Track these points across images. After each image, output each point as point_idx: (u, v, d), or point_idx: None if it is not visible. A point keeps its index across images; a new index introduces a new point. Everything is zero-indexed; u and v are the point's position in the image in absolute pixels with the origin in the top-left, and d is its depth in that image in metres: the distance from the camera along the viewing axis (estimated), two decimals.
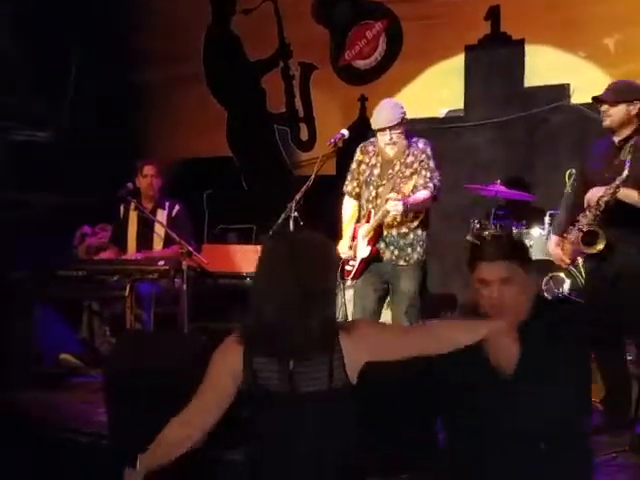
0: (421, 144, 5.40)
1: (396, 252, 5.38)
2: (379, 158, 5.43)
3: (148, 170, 6.70)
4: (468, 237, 6.49)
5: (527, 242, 6.12)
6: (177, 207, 6.74)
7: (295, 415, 2.81)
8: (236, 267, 6.54)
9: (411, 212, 5.27)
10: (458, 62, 7.40)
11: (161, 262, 6.13)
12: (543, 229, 6.12)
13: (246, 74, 8.64)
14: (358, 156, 5.55)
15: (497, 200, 6.39)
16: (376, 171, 5.43)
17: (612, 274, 4.64)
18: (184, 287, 5.94)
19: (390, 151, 5.34)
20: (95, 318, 6.58)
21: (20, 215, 7.44)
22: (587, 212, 4.63)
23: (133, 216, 6.76)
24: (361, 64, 7.99)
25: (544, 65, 7.03)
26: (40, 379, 6.11)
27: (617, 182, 4.49)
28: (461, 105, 7.42)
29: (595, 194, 4.59)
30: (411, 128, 5.48)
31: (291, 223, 5.11)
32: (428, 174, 5.26)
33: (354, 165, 5.57)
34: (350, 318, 5.65)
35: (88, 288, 6.33)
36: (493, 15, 7.20)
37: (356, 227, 5.53)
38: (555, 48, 6.95)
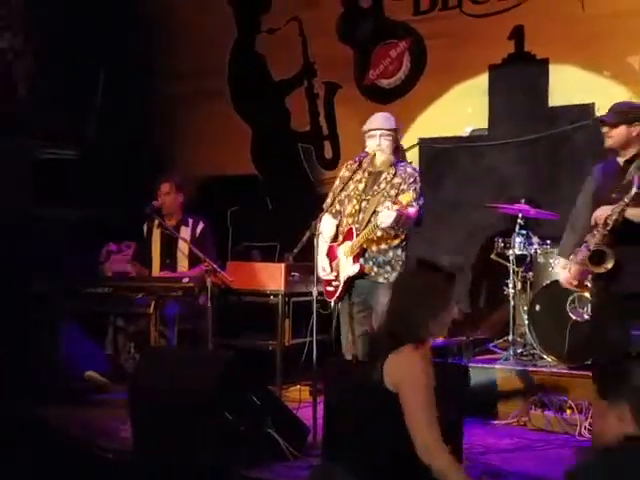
0: (409, 169, 5.45)
1: (375, 269, 5.32)
2: (365, 173, 5.42)
3: (164, 188, 6.76)
4: (492, 256, 6.50)
5: (551, 261, 6.12)
6: (201, 224, 6.77)
7: None
8: (260, 285, 6.55)
9: (398, 227, 5.20)
10: (482, 81, 7.41)
11: (185, 279, 6.17)
12: None
13: (271, 93, 8.69)
14: (343, 173, 5.54)
15: (521, 219, 6.37)
16: (361, 185, 5.42)
17: (621, 293, 4.60)
18: (208, 304, 5.97)
19: (379, 157, 5.33)
20: (120, 335, 6.63)
21: (46, 231, 7.50)
22: (595, 231, 4.62)
23: (157, 234, 6.81)
24: (385, 83, 8.01)
25: (568, 84, 7.02)
26: (66, 395, 6.15)
27: (626, 200, 4.50)
28: (485, 124, 7.41)
29: (602, 213, 4.58)
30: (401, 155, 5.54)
31: (315, 241, 5.13)
32: (414, 195, 5.19)
33: (338, 182, 5.55)
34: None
35: (113, 305, 6.38)
36: (517, 34, 7.20)
37: (333, 246, 5.49)
38: (579, 67, 6.94)
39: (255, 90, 8.78)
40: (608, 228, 4.54)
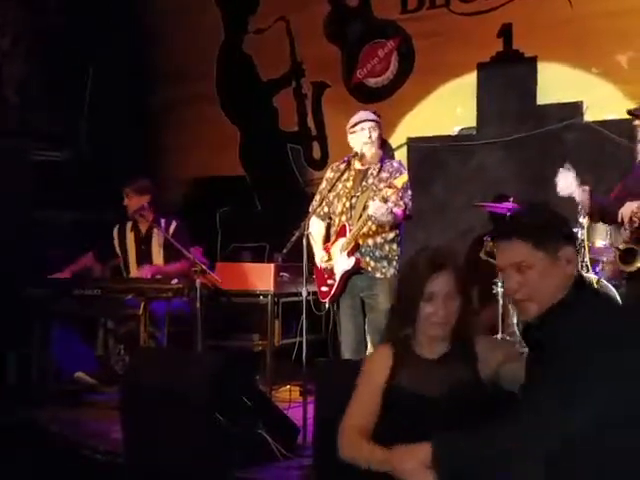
0: (396, 163, 5.50)
1: (372, 263, 5.31)
2: (352, 172, 5.43)
3: (125, 193, 6.75)
4: (482, 255, 6.49)
5: None
6: (174, 223, 6.69)
7: None
8: (250, 285, 6.54)
9: (389, 220, 5.20)
10: (470, 80, 7.40)
11: (175, 281, 6.15)
12: None
13: (258, 93, 8.68)
14: (329, 174, 5.57)
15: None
16: (349, 184, 5.44)
17: None
18: (198, 305, 5.96)
19: (369, 151, 5.34)
20: (110, 336, 6.60)
21: (38, 233, 7.47)
22: (622, 229, 4.47)
23: (130, 238, 6.79)
24: (373, 82, 8.01)
25: (557, 82, 7.02)
26: (57, 397, 6.14)
27: None
28: (474, 123, 7.41)
29: (628, 210, 4.43)
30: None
31: (304, 241, 5.12)
32: (401, 191, 5.22)
33: (324, 184, 5.57)
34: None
35: (103, 306, 6.35)
36: (505, 32, 7.21)
37: (327, 246, 5.48)
38: (568, 65, 6.95)
39: (243, 90, 8.77)
40: (635, 225, 4.40)
